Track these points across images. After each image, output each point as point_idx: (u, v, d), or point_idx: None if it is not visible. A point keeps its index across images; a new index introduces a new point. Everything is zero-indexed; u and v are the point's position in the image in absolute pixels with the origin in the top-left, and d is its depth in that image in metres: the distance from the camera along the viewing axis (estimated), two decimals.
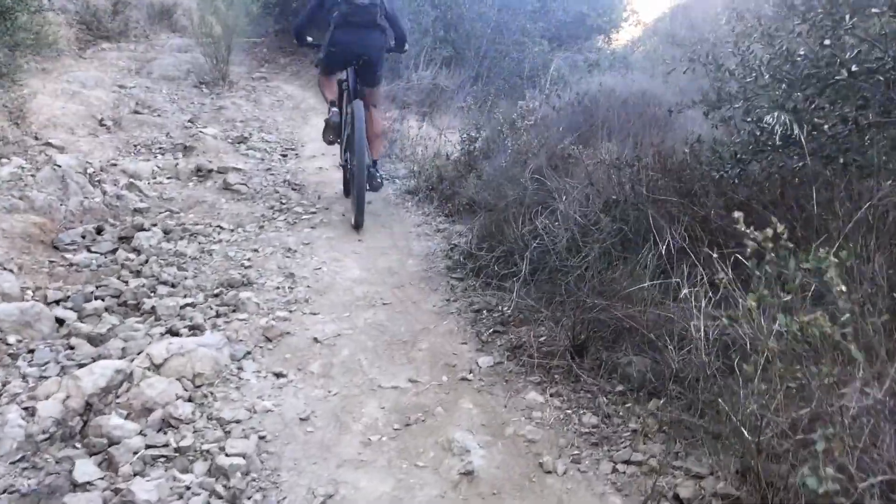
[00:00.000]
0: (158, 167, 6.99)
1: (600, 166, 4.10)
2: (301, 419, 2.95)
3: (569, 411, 3.01)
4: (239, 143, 8.00)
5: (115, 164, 6.89)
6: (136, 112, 8.83)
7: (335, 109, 5.92)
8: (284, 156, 7.74)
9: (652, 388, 3.05)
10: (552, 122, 5.60)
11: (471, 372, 3.33)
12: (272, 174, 7.03)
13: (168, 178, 6.79)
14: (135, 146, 7.80)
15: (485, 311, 3.92)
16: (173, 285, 4.33)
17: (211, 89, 10.22)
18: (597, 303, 3.30)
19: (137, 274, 4.45)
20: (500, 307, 3.88)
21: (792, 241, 3.40)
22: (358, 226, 5.46)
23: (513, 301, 3.70)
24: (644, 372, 3.08)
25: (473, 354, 3.51)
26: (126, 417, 2.93)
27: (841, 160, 3.08)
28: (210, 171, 6.86)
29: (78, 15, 11.46)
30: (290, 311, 4.01)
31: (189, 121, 8.75)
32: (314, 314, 3.99)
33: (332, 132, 6.00)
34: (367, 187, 5.48)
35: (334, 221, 5.70)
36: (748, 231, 1.94)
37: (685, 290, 2.89)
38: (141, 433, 2.84)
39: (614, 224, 3.72)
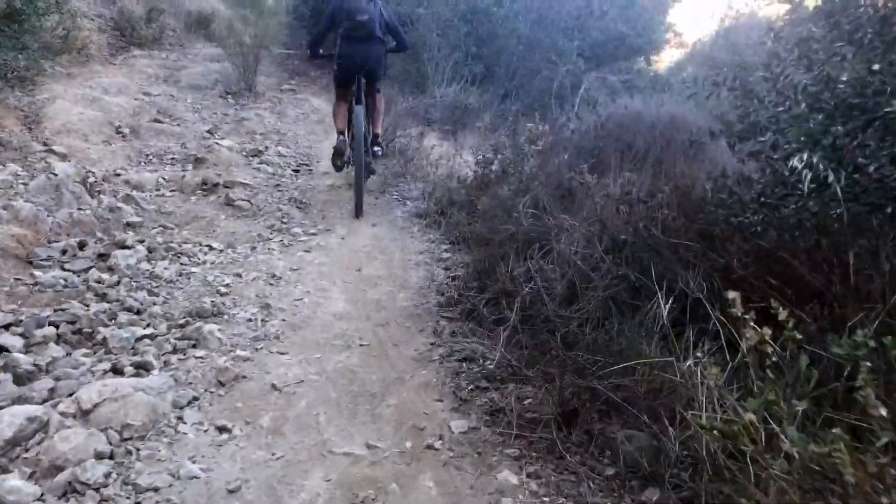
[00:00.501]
0: (164, 179, 6.64)
1: (610, 201, 3.56)
2: (229, 490, 2.46)
3: (546, 499, 2.47)
4: (253, 156, 7.63)
5: (119, 175, 6.56)
6: (156, 120, 8.54)
7: (343, 138, 6.31)
8: (297, 171, 7.33)
9: (649, 473, 2.50)
10: (568, 147, 5.08)
11: (440, 438, 2.81)
12: (280, 190, 6.62)
13: (172, 190, 6.42)
14: (147, 155, 7.48)
15: (469, 362, 3.39)
16: (138, 312, 3.90)
17: (236, 100, 9.91)
18: (592, 364, 2.76)
19: (103, 298, 4.03)
20: (486, 357, 3.35)
21: (826, 304, 2.84)
22: (358, 215, 6.07)
23: (498, 353, 3.18)
24: (641, 452, 2.54)
25: (447, 415, 2.98)
26: (30, 477, 2.48)
27: (889, 209, 2.50)
28: (216, 184, 6.47)
29: (112, 21, 11.29)
30: (256, 349, 3.55)
31: (208, 131, 8.42)
32: (281, 354, 3.52)
33: (339, 158, 6.35)
34: (368, 172, 6.43)
35: (332, 246, 5.24)
36: (747, 317, 1.40)
37: (689, 362, 2.34)
38: (40, 499, 2.39)
39: (619, 268, 3.17)
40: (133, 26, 11.31)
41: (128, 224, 5.49)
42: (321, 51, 6.56)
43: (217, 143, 7.85)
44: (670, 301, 3.00)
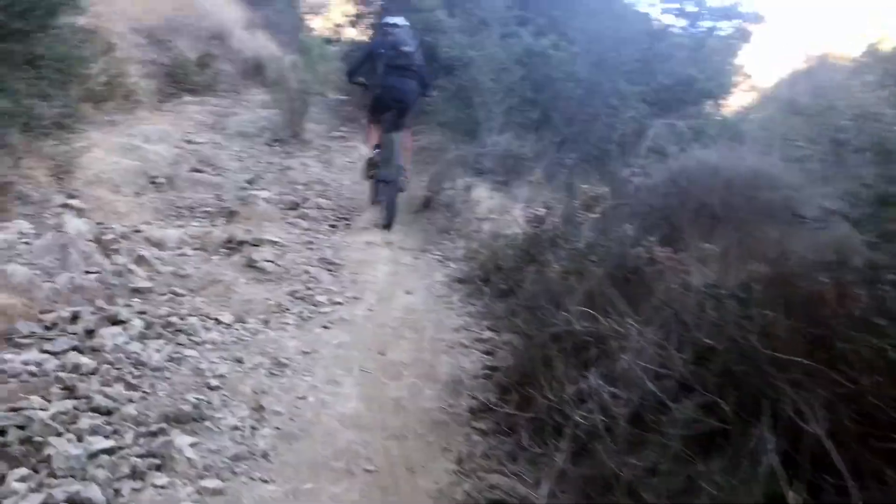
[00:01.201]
0: (189, 236, 5.99)
1: (690, 293, 2.66)
2: None
3: None
4: (290, 209, 6.96)
5: (139, 231, 5.93)
6: (196, 170, 8.00)
7: (378, 150, 6.82)
8: (334, 226, 6.60)
9: None
10: (632, 208, 4.20)
11: None
12: (311, 248, 5.89)
13: (195, 248, 5.76)
14: (178, 208, 6.89)
15: None
16: (108, 412, 3.15)
17: (283, 147, 9.34)
18: None
19: (71, 392, 3.29)
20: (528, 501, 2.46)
21: None
22: (388, 226, 6.51)
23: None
24: None
25: None
26: None
27: None
28: (242, 242, 5.79)
29: (165, 66, 10.95)
30: (234, 473, 2.73)
31: (248, 181, 7.81)
32: (264, 482, 2.70)
33: (372, 168, 6.91)
34: (397, 192, 6.61)
35: (356, 319, 4.44)
36: None
37: None
38: None
39: (705, 392, 2.26)
40: (186, 72, 10.94)
41: (135, 290, 4.82)
42: (360, 78, 7.05)
43: (254, 195, 7.22)
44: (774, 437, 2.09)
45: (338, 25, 15.36)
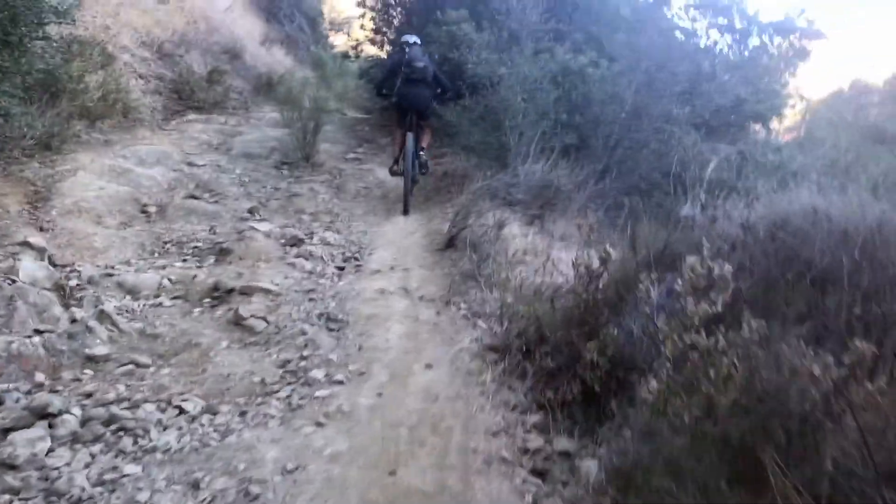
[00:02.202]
0: (169, 280, 4.91)
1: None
2: None
3: None
4: (292, 245, 5.86)
5: (112, 274, 4.87)
6: (192, 196, 6.94)
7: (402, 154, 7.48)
8: (342, 268, 5.47)
9: None
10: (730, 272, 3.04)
11: None
12: (313, 298, 4.77)
13: (173, 298, 4.68)
14: (164, 244, 5.81)
15: None
16: None
17: (291, 171, 8.27)
18: None
19: None
20: None
21: None
22: (406, 212, 7.25)
23: None
24: None
25: None
26: None
27: None
28: (230, 290, 4.70)
29: (172, 82, 9.94)
30: None
31: (249, 210, 6.74)
32: None
33: (397, 165, 7.62)
34: (413, 182, 7.46)
35: (359, 413, 3.27)
36: None
37: None
38: None
39: None
40: (193, 89, 9.93)
41: (89, 359, 3.74)
42: (385, 91, 7.86)
43: (253, 228, 6.14)
44: None
45: (358, 42, 14.36)
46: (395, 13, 11.22)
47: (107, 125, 8.13)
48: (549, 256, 5.17)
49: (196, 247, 5.80)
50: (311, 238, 6.06)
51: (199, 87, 9.97)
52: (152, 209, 6.49)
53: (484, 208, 5.91)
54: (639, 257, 3.92)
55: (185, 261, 5.50)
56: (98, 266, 5.12)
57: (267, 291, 4.73)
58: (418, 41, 7.89)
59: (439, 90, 7.68)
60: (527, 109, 6.82)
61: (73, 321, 4.07)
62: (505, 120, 6.84)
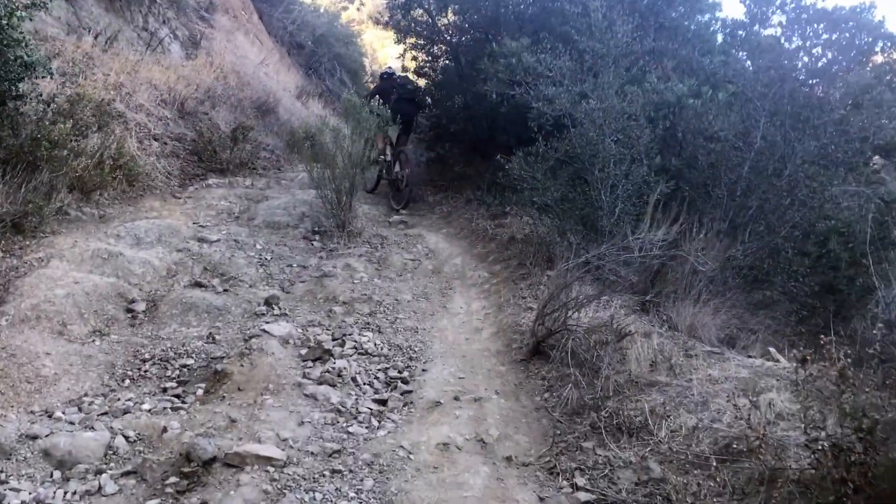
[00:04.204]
0: (125, 439, 3.08)
1: None
2: None
3: None
4: (316, 359, 3.98)
5: (35, 436, 3.04)
6: (197, 284, 5.17)
7: (388, 152, 8.56)
8: (383, 402, 3.51)
9: None
10: None
11: None
12: (338, 470, 2.84)
13: (123, 475, 2.83)
14: (143, 363, 4.04)
15: None
16: None
17: (324, 242, 6.46)
18: None
19: None
20: None
21: None
22: (396, 210, 8.03)
23: None
24: None
25: None
26: None
27: None
28: (209, 462, 2.82)
29: (192, 143, 8.30)
30: None
31: (266, 301, 4.93)
32: None
33: (384, 171, 8.54)
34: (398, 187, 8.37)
35: None
36: None
37: None
38: None
39: None
40: (215, 149, 8.26)
41: None
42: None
43: (266, 331, 4.29)
44: None
45: None
46: (439, 51, 9.45)
47: (106, 197, 6.46)
48: (698, 376, 3.20)
49: (185, 367, 3.98)
50: (343, 345, 4.16)
51: (223, 146, 8.29)
52: (140, 307, 4.73)
53: (581, 295, 3.94)
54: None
55: (163, 392, 3.67)
56: (32, 413, 3.33)
57: (267, 460, 2.83)
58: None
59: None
60: (620, 154, 4.88)
61: None
62: (592, 168, 4.90)
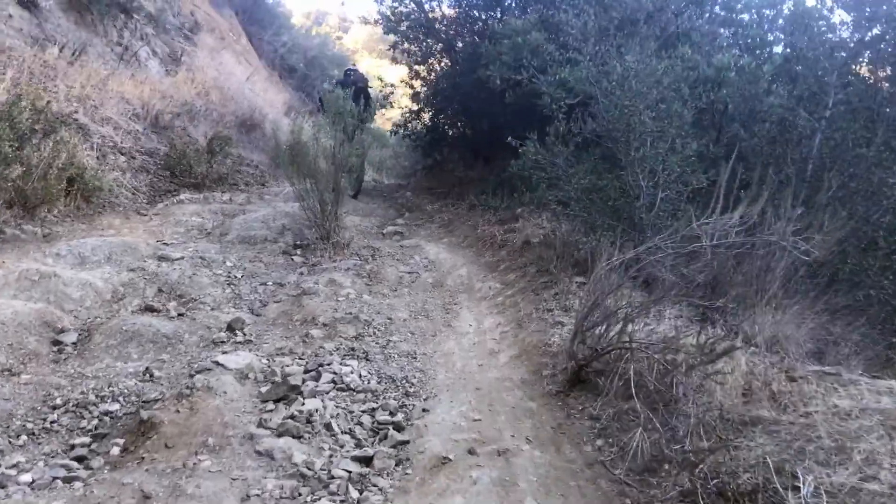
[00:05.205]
0: None
1: None
2: None
3: None
4: (278, 399, 2.89)
5: None
6: (149, 308, 4.10)
7: None
8: (368, 459, 2.42)
9: None
10: None
11: None
12: None
13: None
14: (53, 410, 2.94)
15: None
16: None
17: (307, 256, 5.40)
18: None
19: None
20: None
21: None
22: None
23: None
24: None
25: None
26: None
27: None
28: None
29: (165, 158, 7.29)
30: None
31: (229, 326, 3.84)
32: None
33: None
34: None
35: None
36: None
37: None
38: None
39: None
40: (190, 163, 7.25)
41: None
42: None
43: (219, 363, 3.22)
44: None
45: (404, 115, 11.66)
46: (433, 48, 8.46)
47: (55, 214, 5.43)
48: (817, 408, 2.11)
49: (107, 414, 2.89)
50: (318, 378, 3.08)
51: (198, 160, 7.29)
52: (70, 338, 3.67)
53: (632, 304, 2.85)
54: None
55: (70, 450, 2.58)
56: None
57: None
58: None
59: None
60: (660, 129, 3.83)
61: None
62: (627, 149, 3.84)
